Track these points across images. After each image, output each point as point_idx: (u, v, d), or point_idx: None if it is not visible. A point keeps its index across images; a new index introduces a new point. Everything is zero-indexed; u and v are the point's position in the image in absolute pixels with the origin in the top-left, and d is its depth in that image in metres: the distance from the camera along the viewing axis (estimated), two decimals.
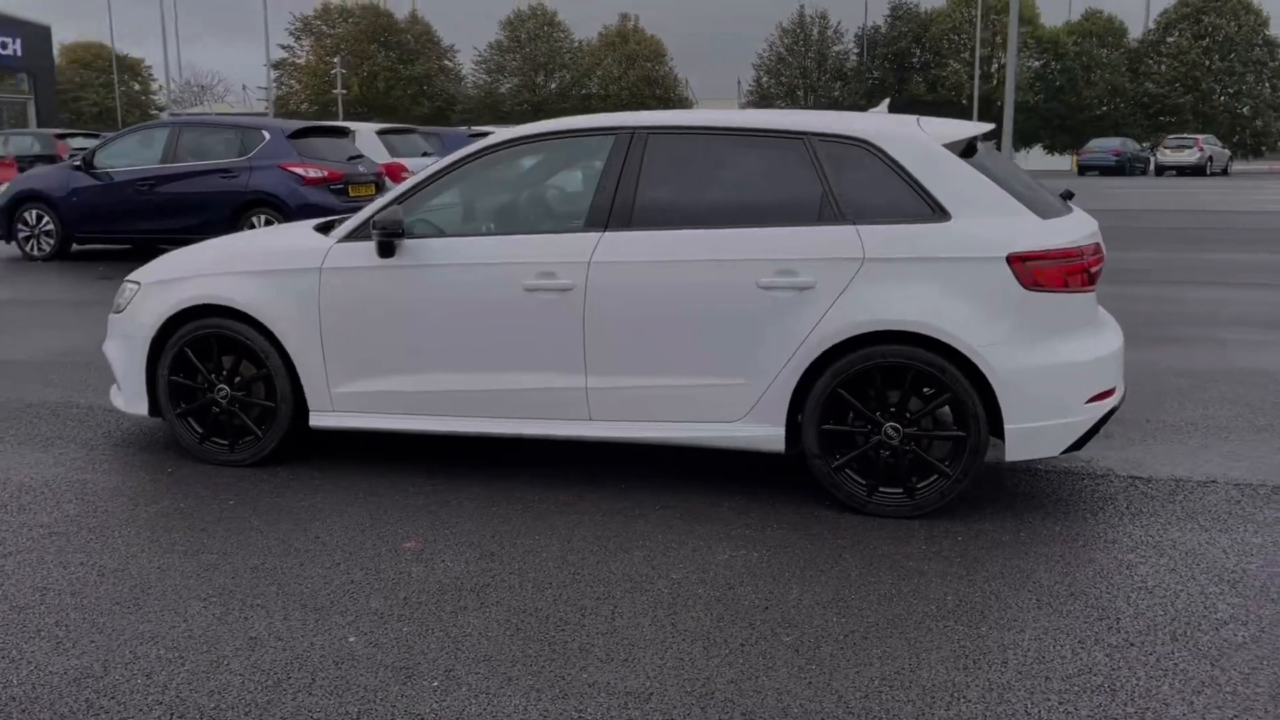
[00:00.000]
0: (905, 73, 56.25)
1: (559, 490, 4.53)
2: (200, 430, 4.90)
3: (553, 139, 4.67)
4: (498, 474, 4.73)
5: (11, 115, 46.49)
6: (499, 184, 4.80)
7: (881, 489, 4.25)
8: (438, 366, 4.59)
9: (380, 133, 14.75)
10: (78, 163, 12.70)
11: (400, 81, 60.56)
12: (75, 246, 13.18)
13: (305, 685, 2.95)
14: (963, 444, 4.15)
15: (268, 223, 11.85)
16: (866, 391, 4.20)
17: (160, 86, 70.58)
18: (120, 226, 12.52)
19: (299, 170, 11.83)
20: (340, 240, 4.66)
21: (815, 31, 58.05)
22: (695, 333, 4.30)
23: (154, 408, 4.95)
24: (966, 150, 4.33)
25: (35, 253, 12.89)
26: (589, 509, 4.32)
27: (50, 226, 12.73)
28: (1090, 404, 4.14)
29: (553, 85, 62.42)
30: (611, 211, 4.41)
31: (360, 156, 12.95)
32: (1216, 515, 4.26)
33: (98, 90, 67.85)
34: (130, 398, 5.00)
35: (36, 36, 47.51)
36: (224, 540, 3.99)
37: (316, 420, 4.75)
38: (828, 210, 4.24)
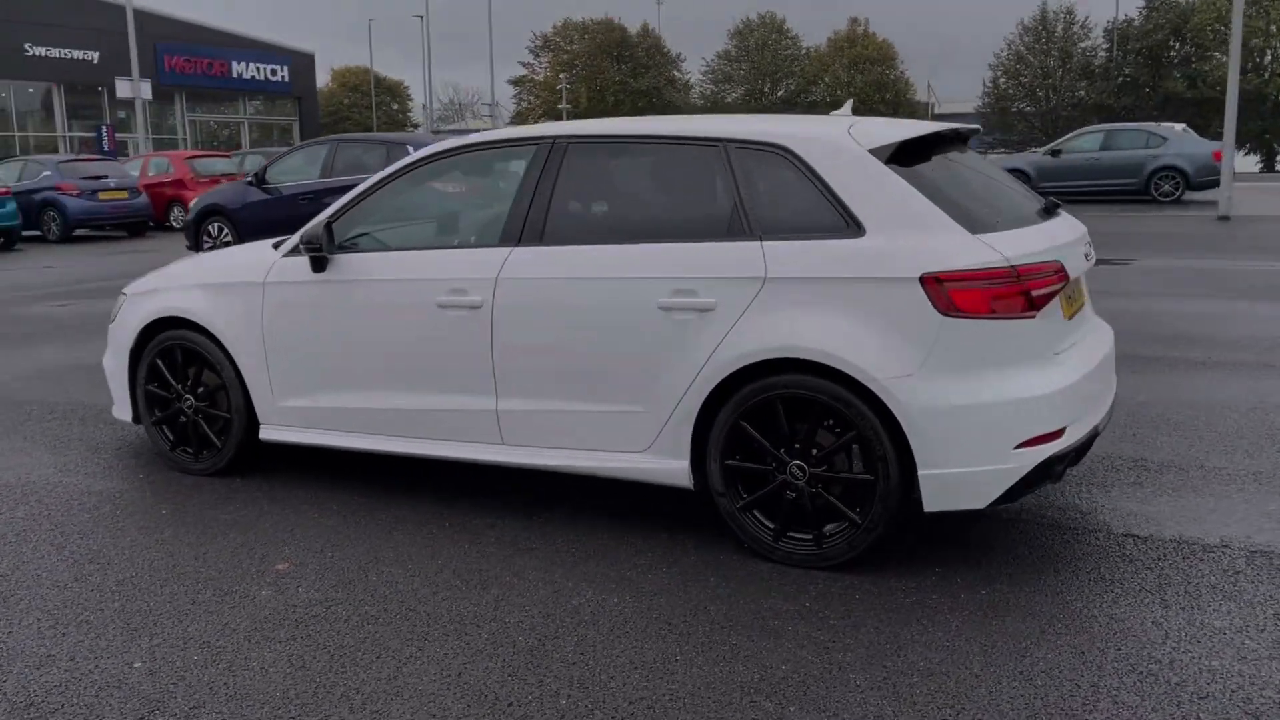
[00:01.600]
0: (1161, 68, 51.85)
1: (477, 514, 4.35)
2: (171, 438, 5.06)
3: (481, 150, 4.50)
4: (442, 495, 4.60)
5: (280, 136, 50.96)
6: (428, 198, 4.68)
7: (790, 534, 3.81)
8: (365, 384, 4.52)
9: None
10: (251, 179, 13.65)
11: (629, 94, 61.85)
12: None
13: (51, 712, 2.93)
14: (871, 489, 3.65)
15: None
16: (772, 425, 3.78)
17: (422, 106, 74.86)
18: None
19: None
20: (285, 255, 4.68)
21: (1059, 28, 54.57)
22: (598, 356, 4.02)
23: (136, 415, 5.16)
24: (905, 154, 3.79)
25: None
26: (490, 538, 4.11)
27: (229, 238, 13.75)
28: (1022, 450, 3.53)
29: (779, 93, 61.91)
30: (525, 226, 4.19)
31: None
32: (1220, 591, 3.54)
33: (362, 111, 73.18)
34: (119, 405, 5.23)
35: (302, 64, 51.91)
36: (117, 550, 4.07)
37: (265, 433, 4.79)
38: (737, 224, 3.85)
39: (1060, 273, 3.72)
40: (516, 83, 66.33)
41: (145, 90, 27.20)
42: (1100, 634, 3.25)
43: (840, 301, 3.63)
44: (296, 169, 13.32)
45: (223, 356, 4.80)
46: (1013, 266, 3.54)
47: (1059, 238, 3.87)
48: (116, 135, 39.28)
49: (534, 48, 66.84)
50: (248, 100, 50.37)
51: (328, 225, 4.51)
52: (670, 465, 3.95)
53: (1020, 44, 55.62)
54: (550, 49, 66.08)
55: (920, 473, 3.56)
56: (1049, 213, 4.13)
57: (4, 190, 18.20)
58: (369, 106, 72.91)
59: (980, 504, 3.57)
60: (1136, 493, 4.49)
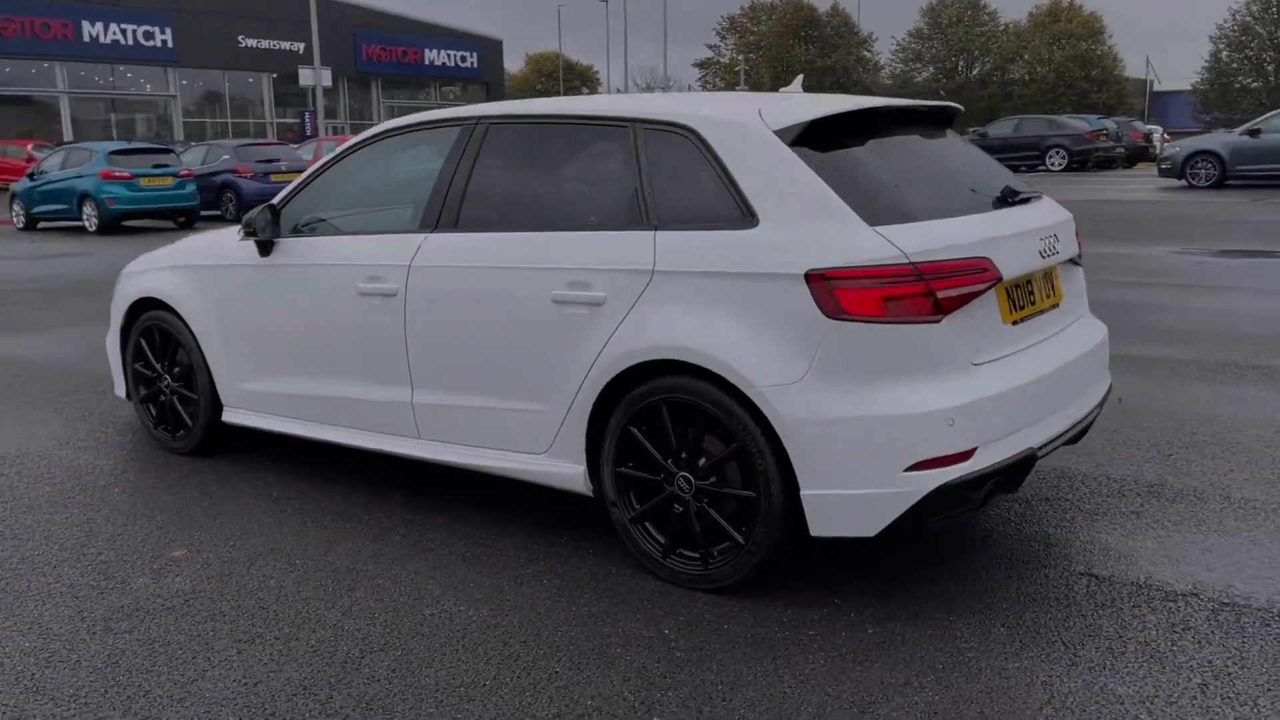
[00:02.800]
0: None
1: (403, 509, 4.22)
2: (154, 416, 5.17)
3: (414, 131, 4.32)
4: (385, 486, 4.50)
5: None
6: (365, 181, 4.55)
7: (679, 551, 3.49)
8: (303, 370, 4.47)
9: None
10: None
11: (814, 73, 60.54)
12: None
13: None
14: (755, 508, 3.28)
15: None
16: (661, 432, 3.46)
17: (617, 90, 75.89)
18: None
19: None
20: (242, 238, 4.67)
21: None
22: (499, 350, 3.80)
23: (129, 392, 5.30)
24: (818, 136, 3.37)
25: None
26: (396, 537, 3.97)
27: None
28: (914, 473, 3.08)
29: (974, 71, 59.16)
30: (442, 211, 4.01)
31: None
32: (1151, 650, 3.01)
33: (552, 95, 74.73)
34: (116, 382, 5.39)
35: (491, 50, 53.44)
36: (45, 526, 4.14)
37: (227, 415, 4.82)
38: (636, 212, 3.54)
39: (986, 271, 3.23)
40: (702, 65, 66.11)
41: (325, 78, 28.56)
42: (969, 692, 2.80)
43: (725, 299, 3.28)
44: None
45: (190, 338, 4.85)
46: (912, 263, 3.09)
47: (998, 230, 3.37)
48: (320, 121, 41.47)
49: (720, 30, 66.39)
50: (439, 86, 52.22)
51: (272, 208, 4.47)
52: (569, 469, 3.69)
53: (1247, 14, 51.05)
54: (736, 30, 65.47)
55: (802, 492, 3.18)
56: (1005, 201, 3.61)
57: (186, 173, 19.46)
58: (560, 91, 74.38)
59: (868, 531, 3.15)
60: (1128, 524, 3.90)
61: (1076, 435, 3.73)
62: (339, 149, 4.52)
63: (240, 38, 43.90)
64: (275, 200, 4.52)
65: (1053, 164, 29.02)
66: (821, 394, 3.12)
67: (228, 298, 4.66)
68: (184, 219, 19.61)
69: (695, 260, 3.34)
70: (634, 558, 3.60)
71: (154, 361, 5.08)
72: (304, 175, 4.56)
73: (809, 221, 3.21)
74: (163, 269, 5.00)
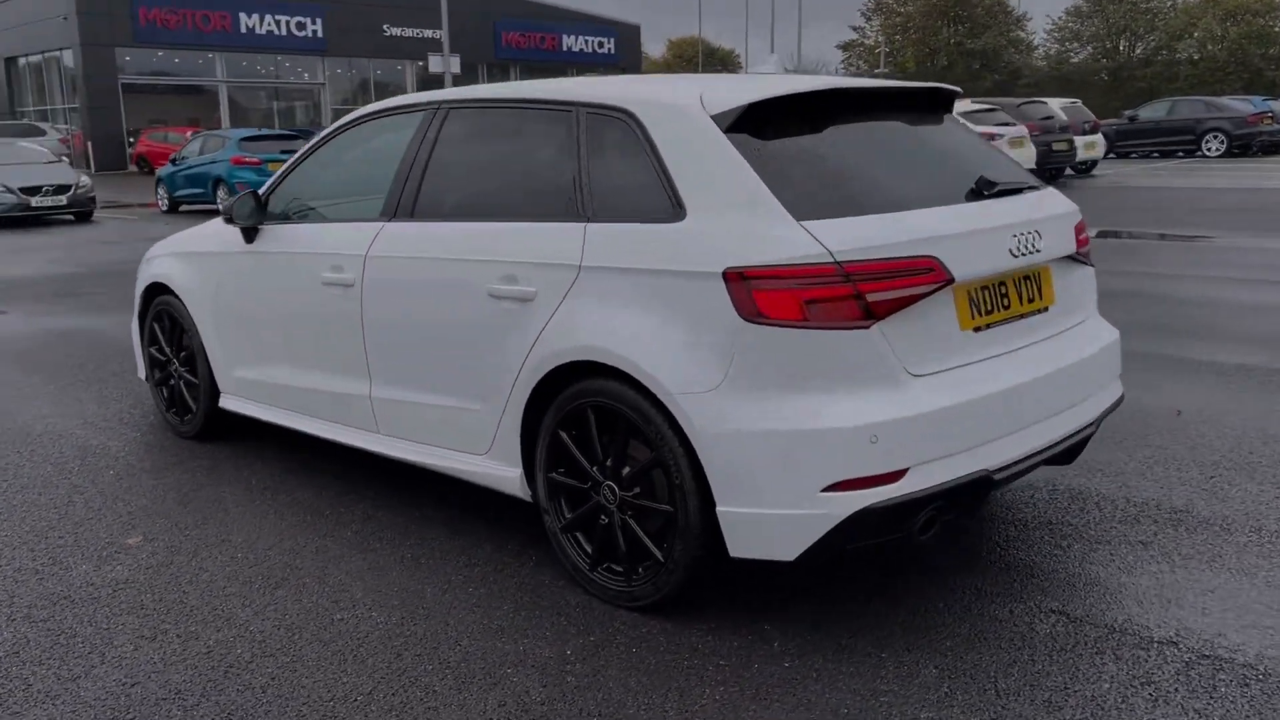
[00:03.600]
0: None
1: (370, 505, 4.13)
2: (166, 400, 5.24)
3: (389, 116, 4.19)
4: (360, 478, 4.43)
5: None
6: (345, 166, 4.45)
7: (607, 565, 3.28)
8: (282, 359, 4.43)
9: None
10: None
11: (963, 55, 58.42)
12: None
13: None
14: (674, 522, 3.04)
15: None
16: (588, 439, 3.25)
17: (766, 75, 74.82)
18: None
19: None
20: (224, 224, 4.65)
21: None
22: (442, 345, 3.66)
23: (146, 375, 5.39)
24: (760, 120, 3.07)
25: None
26: (348, 533, 3.87)
27: None
28: (832, 494, 2.78)
29: (1136, 50, 55.95)
30: (400, 199, 3.88)
31: None
32: (1092, 707, 2.65)
33: None
34: (138, 364, 5.49)
35: (628, 35, 53.53)
36: (26, 508, 4.21)
37: (223, 401, 4.83)
38: (574, 202, 3.33)
39: (933, 271, 2.89)
40: (845, 47, 64.64)
41: (454, 65, 29.06)
42: None
43: (647, 298, 3.04)
44: None
45: (191, 324, 4.88)
46: (837, 263, 2.78)
47: (954, 226, 3.02)
48: None
49: (866, 11, 64.72)
50: (576, 71, 52.56)
51: (255, 194, 4.43)
52: (507, 473, 3.52)
53: None
54: (883, 11, 63.71)
55: (718, 509, 2.92)
56: (980, 193, 3.24)
57: None
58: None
59: (787, 556, 2.87)
60: (1130, 556, 3.48)
61: (1066, 453, 3.34)
62: (324, 132, 4.45)
63: (385, 26, 45.12)
64: (264, 187, 4.49)
65: (1209, 149, 27.11)
66: (737, 404, 2.85)
67: (221, 285, 4.67)
68: None
69: (620, 255, 3.11)
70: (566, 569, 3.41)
71: (165, 346, 5.14)
72: (291, 160, 4.51)
73: (734, 215, 2.94)
74: (171, 255, 5.04)
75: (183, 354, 5.04)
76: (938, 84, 3.64)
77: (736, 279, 2.83)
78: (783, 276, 2.79)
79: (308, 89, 45.32)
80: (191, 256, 4.87)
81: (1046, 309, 3.35)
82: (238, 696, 2.78)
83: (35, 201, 17.60)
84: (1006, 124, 17.75)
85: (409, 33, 46.01)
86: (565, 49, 50.71)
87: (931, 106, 3.62)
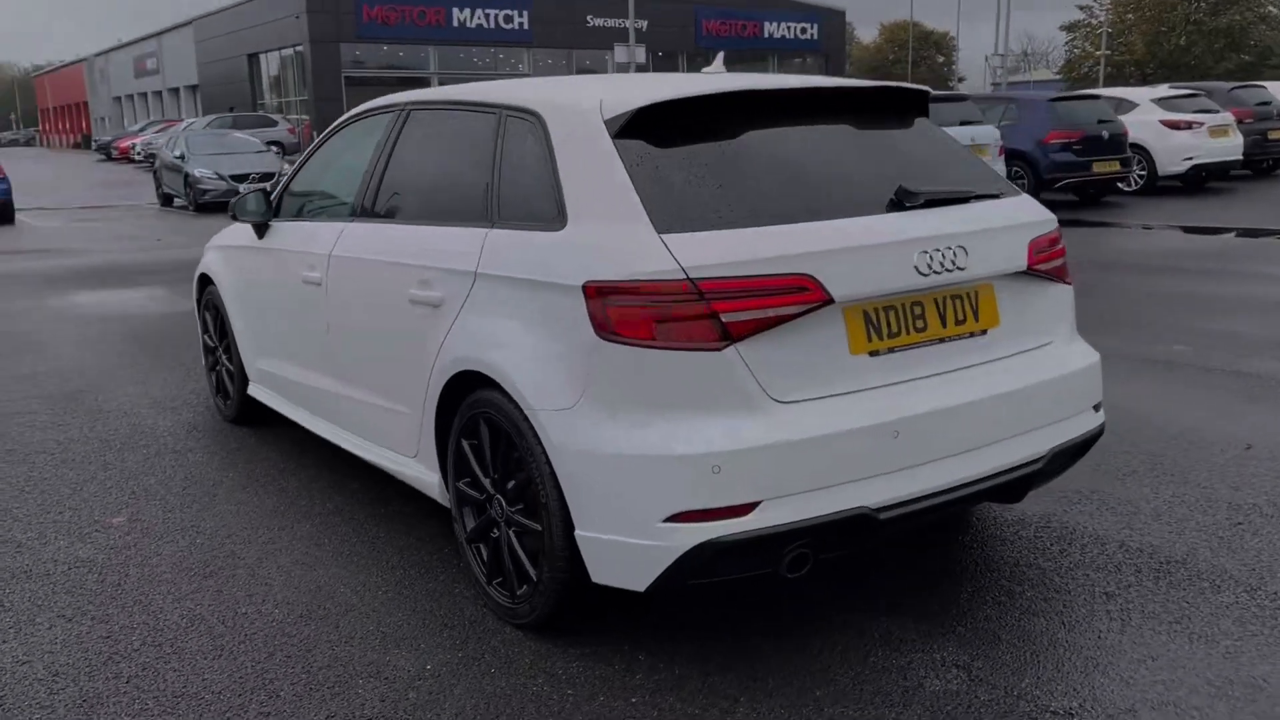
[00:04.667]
0: None
1: (354, 502, 4.23)
2: (213, 385, 5.53)
3: (369, 117, 4.22)
4: (373, 473, 4.55)
5: None
6: (337, 164, 4.51)
7: (500, 580, 3.21)
8: (281, 351, 4.59)
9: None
10: None
11: (1204, 35, 53.95)
12: None
13: None
14: (542, 542, 2.94)
15: None
16: (483, 449, 3.19)
17: (985, 57, 71.57)
18: None
19: None
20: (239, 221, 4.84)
21: None
22: (379, 346, 3.70)
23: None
24: (656, 123, 2.90)
25: None
26: (305, 529, 3.97)
27: None
28: (671, 524, 2.61)
29: None
30: (363, 200, 3.94)
31: None
32: None
33: (906, 66, 72.22)
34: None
35: (832, 21, 52.49)
36: (52, 480, 4.54)
37: (250, 389, 5.05)
38: (486, 206, 3.27)
39: (808, 290, 2.66)
40: (1069, 28, 60.92)
41: (640, 55, 29.30)
42: None
43: (525, 309, 2.95)
44: None
45: (227, 313, 5.13)
46: (690, 279, 2.60)
47: (840, 240, 2.76)
48: None
49: None
50: (778, 59, 52.02)
51: (264, 191, 4.60)
52: (430, 478, 3.51)
53: None
54: None
55: (575, 532, 2.80)
56: (900, 204, 2.95)
57: None
58: (909, 61, 71.70)
59: (638, 586, 2.72)
60: (1081, 610, 3.12)
61: (1001, 490, 3.02)
62: (327, 130, 4.56)
63: (589, 17, 46.02)
64: (281, 184, 4.66)
65: None
66: (591, 424, 2.72)
67: (242, 278, 4.88)
68: None
69: (507, 263, 3.04)
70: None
71: (212, 334, 5.43)
72: (301, 157, 4.65)
73: (604, 225, 2.80)
74: (216, 247, 5.31)
75: (224, 341, 5.30)
76: (896, 84, 3.35)
77: (594, 294, 2.70)
78: (635, 293, 2.64)
79: (509, 78, 46.85)
80: (227, 250, 5.10)
81: (985, 332, 3.03)
82: (102, 685, 2.89)
83: (243, 188, 19.01)
84: (1207, 110, 16.25)
85: (610, 23, 46.71)
86: (767, 36, 50.26)
87: (898, 109, 3.35)
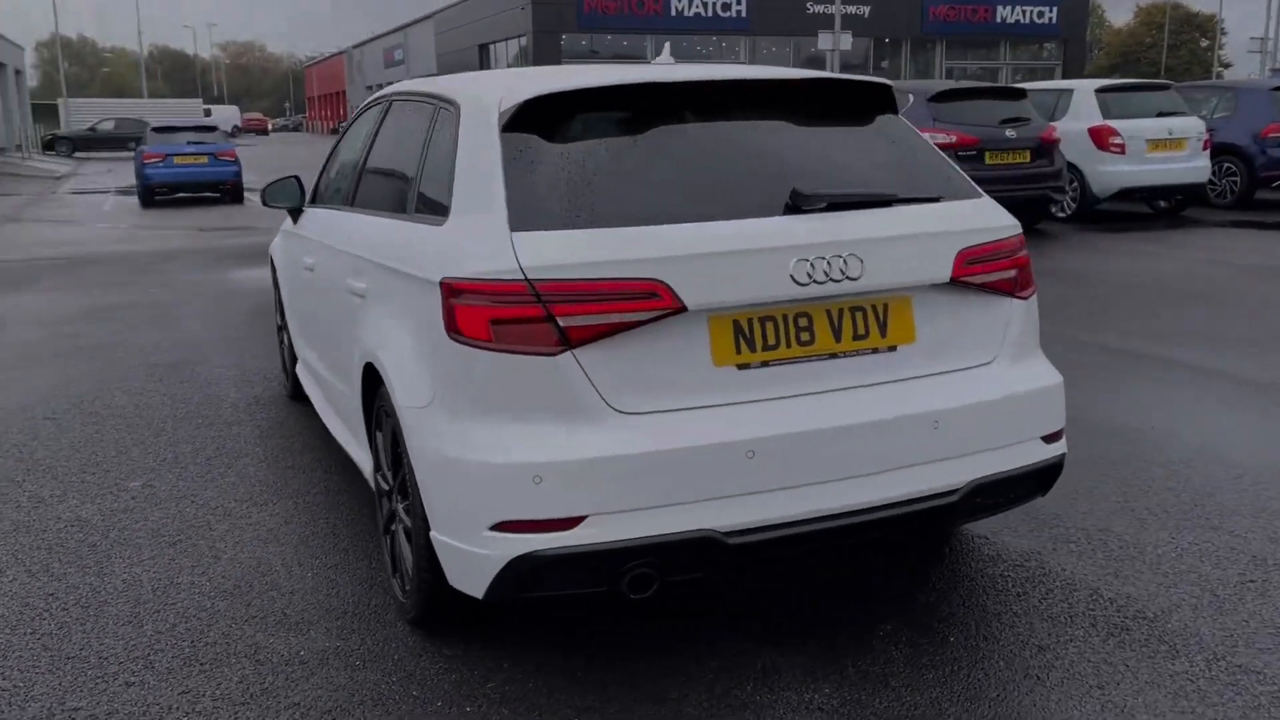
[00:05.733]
0: None
1: (341, 479, 4.35)
2: (282, 363, 5.82)
3: (372, 108, 4.27)
4: None
5: (1042, 79, 49.32)
6: (344, 154, 4.57)
7: (397, 575, 3.21)
8: (300, 333, 4.76)
9: (1100, 91, 12.53)
10: None
11: None
12: None
13: None
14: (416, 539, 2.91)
15: None
16: (386, 442, 3.20)
17: (1257, 40, 65.80)
18: None
19: (925, 136, 11.13)
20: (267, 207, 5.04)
21: None
22: (333, 332, 3.81)
23: None
24: (546, 115, 2.79)
25: None
26: (286, 507, 4.12)
27: None
28: (495, 533, 2.51)
29: None
30: (350, 188, 4.03)
31: (1024, 120, 11.50)
32: None
33: (1158, 50, 67.19)
34: None
35: (1074, 4, 49.34)
36: (101, 443, 4.89)
37: (297, 368, 5.27)
38: (412, 197, 3.26)
39: (657, 297, 2.50)
40: None
41: (845, 42, 28.53)
42: None
43: (406, 304, 2.92)
44: None
45: (280, 294, 5.38)
46: (527, 280, 2.50)
47: (700, 245, 2.56)
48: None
49: None
50: (1010, 45, 49.47)
51: (297, 177, 4.77)
52: (366, 466, 3.56)
53: None
54: None
55: (429, 533, 2.76)
56: (798, 206, 2.71)
57: None
58: (1171, 45, 66.55)
59: (475, 592, 2.64)
60: (1004, 660, 2.80)
61: (903, 524, 2.75)
62: (349, 118, 4.68)
63: (809, 4, 45.25)
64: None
65: None
66: (438, 425, 2.67)
67: (285, 261, 5.10)
68: None
69: (400, 258, 3.02)
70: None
71: (276, 313, 5.71)
72: (333, 145, 4.79)
73: (472, 220, 2.73)
74: (280, 232, 5.56)
75: (284, 320, 5.56)
76: (846, 78, 3.10)
77: (446, 292, 2.64)
78: (477, 292, 2.56)
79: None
80: (281, 234, 5.34)
81: (894, 348, 2.76)
82: (15, 640, 3.07)
83: None
84: None
85: (831, 8, 45.75)
86: (999, 21, 47.81)
87: (855, 105, 3.10)
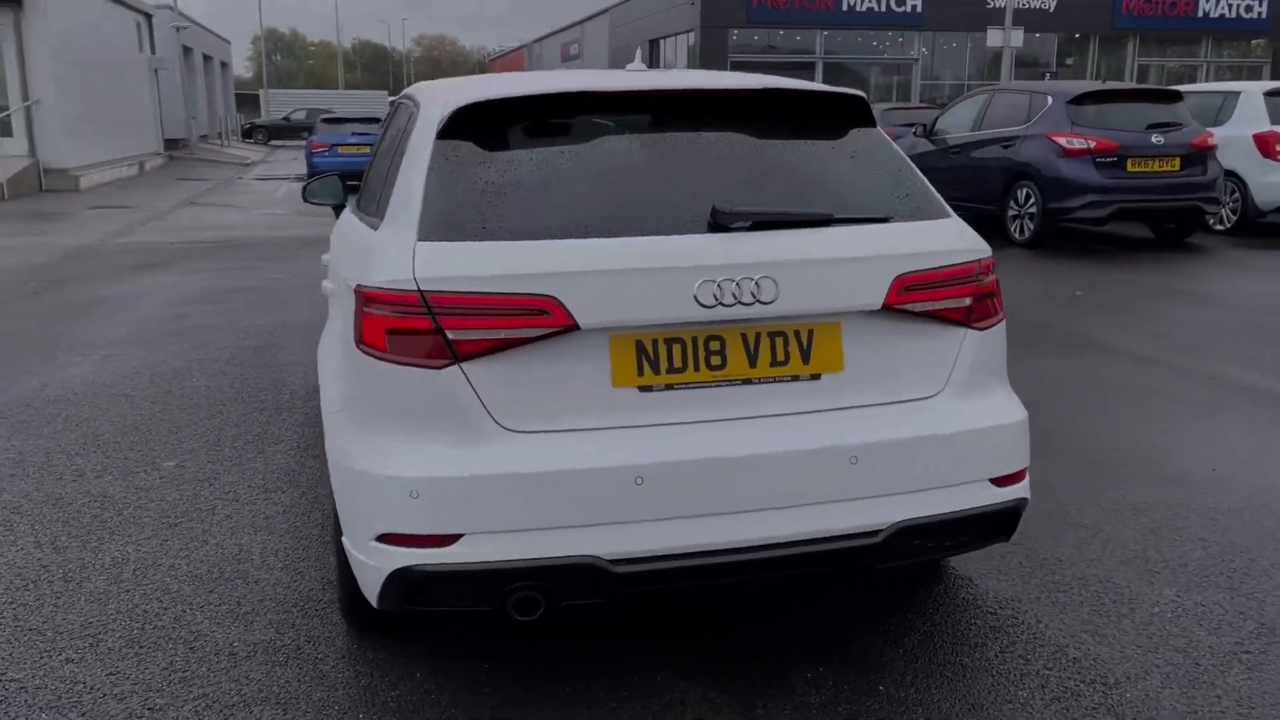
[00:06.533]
0: None
1: None
2: None
3: (390, 107, 4.34)
4: None
5: (1248, 78, 45.98)
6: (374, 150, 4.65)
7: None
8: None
9: (1269, 94, 11.46)
10: (919, 129, 13.34)
11: None
12: None
13: None
14: None
15: (1027, 198, 10.97)
16: None
17: None
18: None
19: (1061, 141, 10.57)
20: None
21: None
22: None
23: None
24: (481, 122, 2.75)
25: None
26: (295, 494, 4.24)
27: None
28: (379, 545, 2.50)
29: None
30: (363, 188, 4.09)
31: (1174, 125, 10.70)
32: None
33: None
34: None
35: None
36: (157, 421, 5.15)
37: None
38: (376, 201, 3.29)
39: (547, 314, 2.44)
40: None
41: (1016, 39, 27.25)
42: None
43: (341, 306, 2.96)
44: (958, 120, 12.63)
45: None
46: (420, 291, 2.47)
47: (599, 263, 2.47)
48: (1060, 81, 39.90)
49: None
50: (1212, 41, 46.34)
51: (340, 174, 4.89)
52: None
53: None
54: None
55: (342, 538, 2.78)
56: (721, 225, 2.57)
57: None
58: None
59: (372, 600, 2.64)
60: (915, 705, 2.61)
61: (821, 563, 2.60)
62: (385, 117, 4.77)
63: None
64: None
65: None
66: (343, 431, 2.69)
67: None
68: None
69: (339, 259, 3.06)
70: None
71: None
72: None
73: (393, 227, 2.73)
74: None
75: None
76: (813, 89, 2.94)
77: (358, 298, 2.65)
78: (378, 301, 2.55)
79: (897, 64, 45.58)
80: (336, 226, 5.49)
81: (818, 376, 2.60)
82: None
83: None
84: None
85: (1016, 3, 43.99)
86: (1201, 15, 44.83)
87: (824, 117, 2.94)
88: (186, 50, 40.74)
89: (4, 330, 7.43)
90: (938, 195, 2.92)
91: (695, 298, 2.48)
